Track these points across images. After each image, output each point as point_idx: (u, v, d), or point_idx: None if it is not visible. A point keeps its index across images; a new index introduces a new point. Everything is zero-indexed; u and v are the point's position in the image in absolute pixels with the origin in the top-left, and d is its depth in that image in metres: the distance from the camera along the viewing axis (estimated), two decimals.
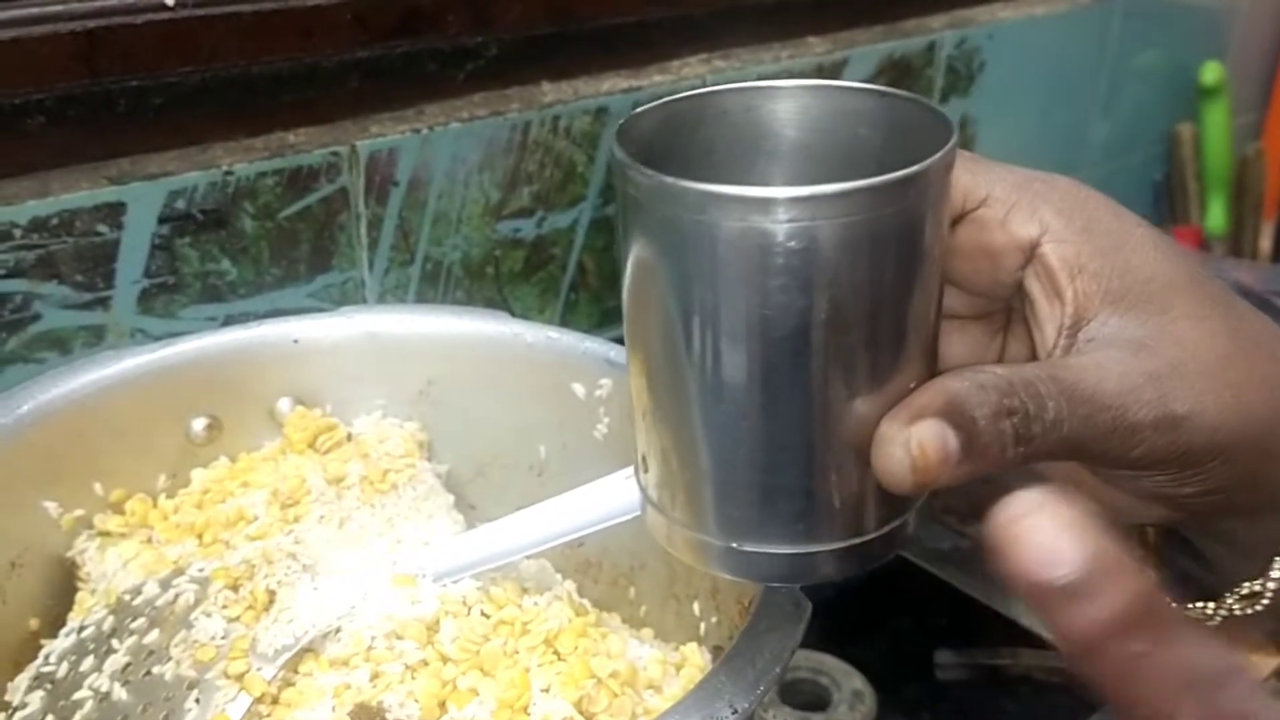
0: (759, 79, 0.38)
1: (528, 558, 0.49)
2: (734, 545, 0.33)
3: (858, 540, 0.33)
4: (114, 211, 0.60)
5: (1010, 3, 1.06)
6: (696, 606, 0.56)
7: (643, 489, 0.37)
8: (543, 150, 0.76)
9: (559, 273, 0.81)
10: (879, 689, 0.75)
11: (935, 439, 0.30)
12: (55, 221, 0.58)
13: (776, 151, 0.35)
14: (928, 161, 0.29)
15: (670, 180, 0.29)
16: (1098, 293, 0.33)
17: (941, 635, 0.80)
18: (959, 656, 0.74)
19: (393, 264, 0.72)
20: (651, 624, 0.58)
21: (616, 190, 0.33)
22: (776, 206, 0.28)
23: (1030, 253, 0.35)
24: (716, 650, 0.50)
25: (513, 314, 0.77)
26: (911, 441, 0.30)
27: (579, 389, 0.59)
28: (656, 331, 0.32)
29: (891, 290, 0.30)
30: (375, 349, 0.60)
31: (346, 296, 0.71)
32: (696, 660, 0.48)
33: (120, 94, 0.60)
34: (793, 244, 0.29)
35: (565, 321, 0.82)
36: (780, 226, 0.28)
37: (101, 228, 0.59)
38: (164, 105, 0.61)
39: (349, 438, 0.59)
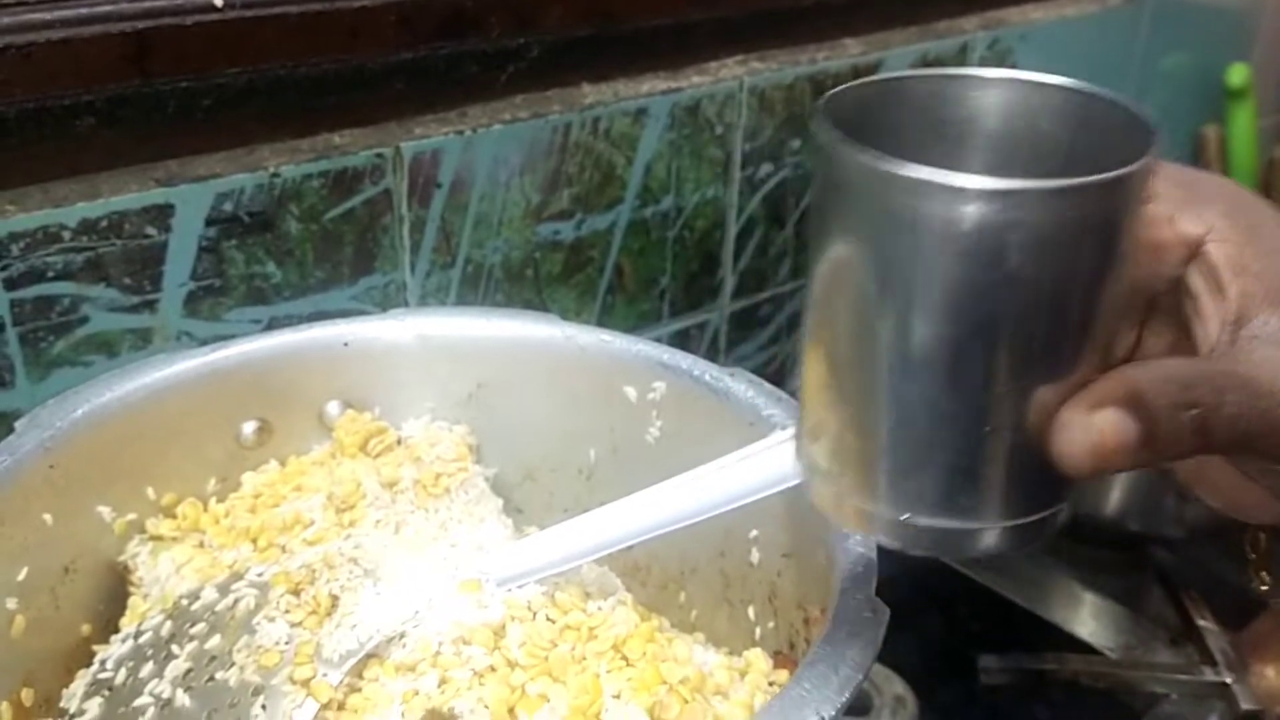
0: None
1: (591, 563, 0.49)
2: (903, 518, 0.34)
3: (1020, 521, 0.34)
4: (162, 214, 0.59)
5: (1042, 4, 1.06)
6: (752, 611, 0.56)
7: (809, 459, 0.37)
8: (583, 152, 0.75)
9: (597, 275, 0.81)
10: (920, 694, 0.74)
11: (1116, 426, 0.31)
12: (104, 224, 0.58)
13: (962, 140, 0.35)
14: (1138, 163, 0.30)
15: (884, 163, 0.30)
16: (1260, 293, 0.34)
17: (981, 640, 0.80)
18: (1003, 661, 0.74)
19: (434, 266, 0.71)
20: (702, 628, 0.58)
21: (814, 169, 0.33)
22: (988, 198, 0.29)
23: (1195, 250, 0.36)
24: (777, 655, 0.50)
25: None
26: (1093, 428, 0.31)
27: (631, 392, 0.58)
28: (848, 306, 0.33)
29: (1085, 285, 0.31)
30: (425, 352, 0.60)
31: (389, 299, 0.70)
32: (761, 666, 0.47)
33: (169, 95, 0.59)
34: (998, 236, 0.29)
35: (602, 324, 0.82)
36: (989, 218, 0.29)
37: (150, 230, 0.59)
38: (212, 106, 0.61)
39: (399, 442, 0.59)
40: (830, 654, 0.38)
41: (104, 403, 0.51)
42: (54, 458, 0.49)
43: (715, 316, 0.91)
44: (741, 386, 0.55)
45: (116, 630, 0.52)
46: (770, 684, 0.47)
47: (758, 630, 0.55)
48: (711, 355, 0.91)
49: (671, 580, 0.60)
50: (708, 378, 0.56)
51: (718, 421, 0.55)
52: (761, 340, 0.95)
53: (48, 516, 0.49)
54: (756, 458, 0.48)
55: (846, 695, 0.36)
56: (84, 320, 0.59)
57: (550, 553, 0.48)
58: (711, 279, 0.89)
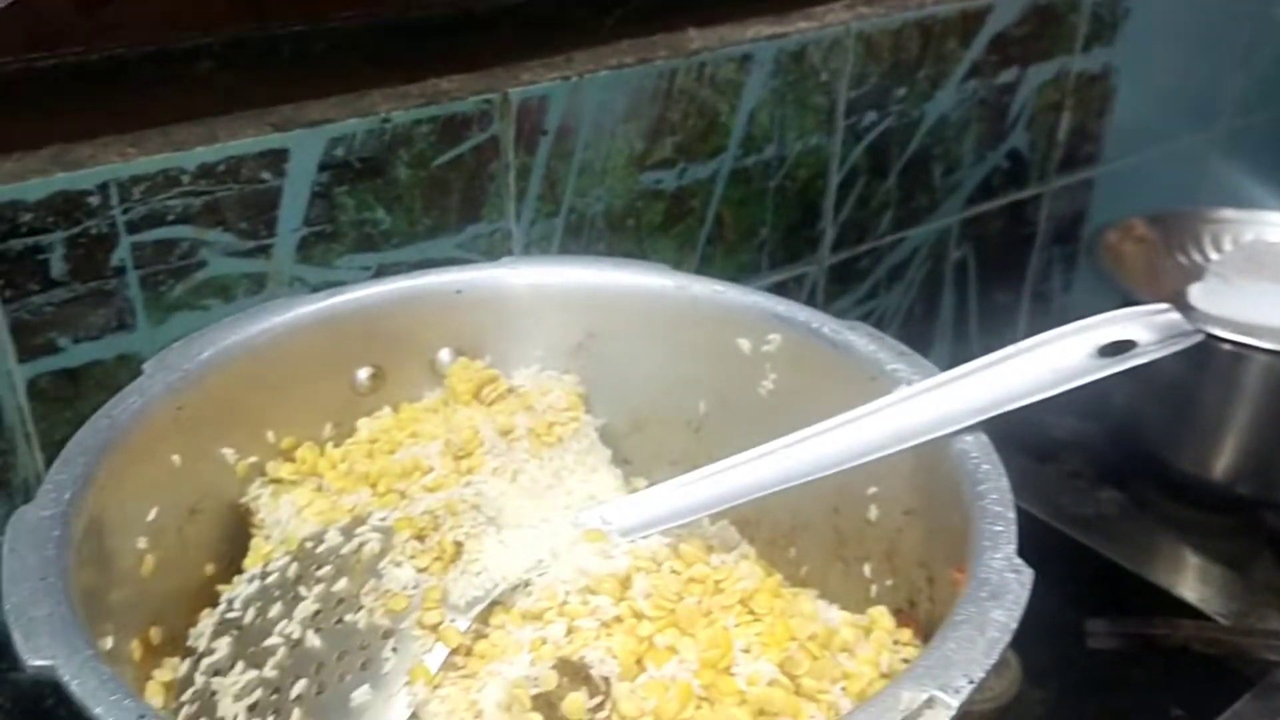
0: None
1: (711, 516, 0.49)
2: None
3: None
4: (277, 158, 0.59)
5: None
6: (868, 568, 0.55)
7: None
8: (686, 99, 0.74)
9: (697, 226, 0.80)
10: (1024, 657, 0.73)
11: None
12: (222, 168, 0.58)
13: None
14: None
15: None
16: None
17: (1084, 602, 0.78)
18: (1111, 625, 0.72)
19: (539, 215, 0.71)
20: (813, 584, 0.57)
21: None
22: None
23: None
24: (898, 614, 0.49)
25: None
26: None
27: (744, 344, 0.57)
28: None
29: None
30: (537, 301, 0.60)
31: (494, 248, 0.70)
32: (885, 624, 0.46)
33: (284, 39, 0.59)
34: None
35: (702, 272, 0.81)
36: None
37: (265, 175, 0.59)
38: (325, 51, 0.61)
39: (510, 390, 0.59)
40: (975, 616, 0.37)
41: (227, 346, 0.52)
42: (181, 399, 0.49)
43: (814, 270, 0.90)
44: (862, 340, 0.53)
45: (239, 571, 0.52)
46: (895, 643, 0.46)
47: (873, 588, 0.54)
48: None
49: (781, 536, 0.59)
50: (826, 330, 0.55)
51: (836, 376, 0.54)
52: (859, 294, 0.94)
53: (175, 458, 0.49)
54: (884, 413, 0.47)
55: (994, 658, 0.35)
56: (201, 264, 0.59)
57: (674, 504, 0.48)
58: (811, 230, 0.87)
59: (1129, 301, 0.68)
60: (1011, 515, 0.42)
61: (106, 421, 0.45)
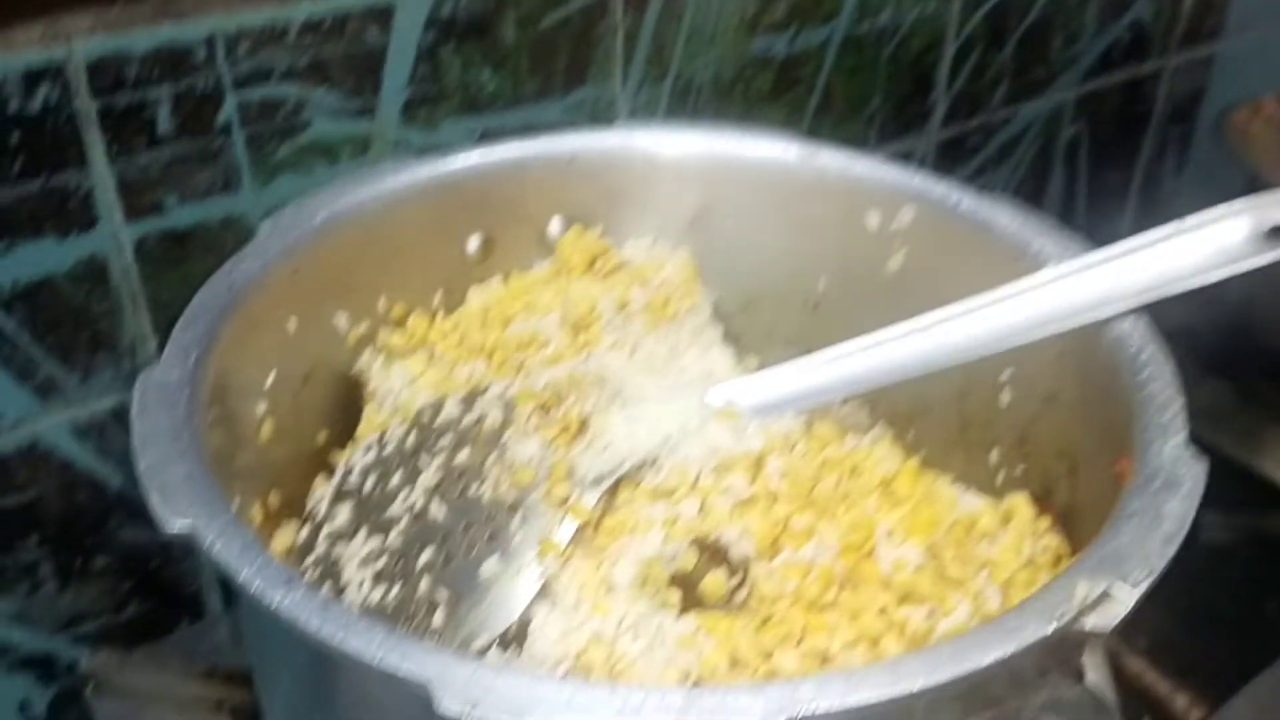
0: None
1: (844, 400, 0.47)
2: None
3: None
4: (384, 15, 0.57)
5: None
6: (995, 455, 0.53)
7: None
8: None
9: (806, 95, 0.76)
10: None
11: None
12: (328, 24, 0.55)
13: None
14: None
15: None
16: None
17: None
18: (1227, 518, 0.70)
19: (645, 80, 0.68)
20: (932, 468, 0.55)
21: None
22: None
23: None
24: (1037, 504, 0.47)
25: None
26: None
27: (872, 218, 0.54)
28: None
29: None
30: (652, 169, 0.57)
31: (598, 114, 0.67)
32: (1025, 512, 0.45)
33: None
34: None
35: None
36: None
37: (371, 31, 0.57)
38: None
39: (622, 264, 0.56)
40: (1148, 507, 0.35)
41: (340, 210, 0.50)
42: (297, 262, 0.48)
43: (922, 145, 0.86)
44: (1005, 216, 0.50)
45: (351, 440, 0.52)
46: (1038, 532, 0.44)
47: (1000, 475, 0.52)
48: None
49: (899, 419, 0.57)
50: (965, 205, 0.52)
51: (975, 254, 0.51)
52: (967, 173, 0.90)
53: (291, 323, 0.48)
54: (1034, 293, 0.44)
55: (1172, 549, 0.33)
56: (306, 125, 0.57)
57: (805, 385, 0.46)
58: (923, 103, 0.83)
59: (1255, 185, 0.63)
60: (1180, 403, 0.39)
61: (226, 283, 0.44)
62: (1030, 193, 0.96)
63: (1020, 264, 0.49)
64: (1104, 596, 0.32)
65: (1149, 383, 0.40)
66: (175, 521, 0.33)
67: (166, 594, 0.64)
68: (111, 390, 0.57)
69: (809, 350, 0.60)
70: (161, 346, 0.57)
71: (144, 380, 0.39)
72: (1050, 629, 0.31)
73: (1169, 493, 0.35)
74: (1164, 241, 0.45)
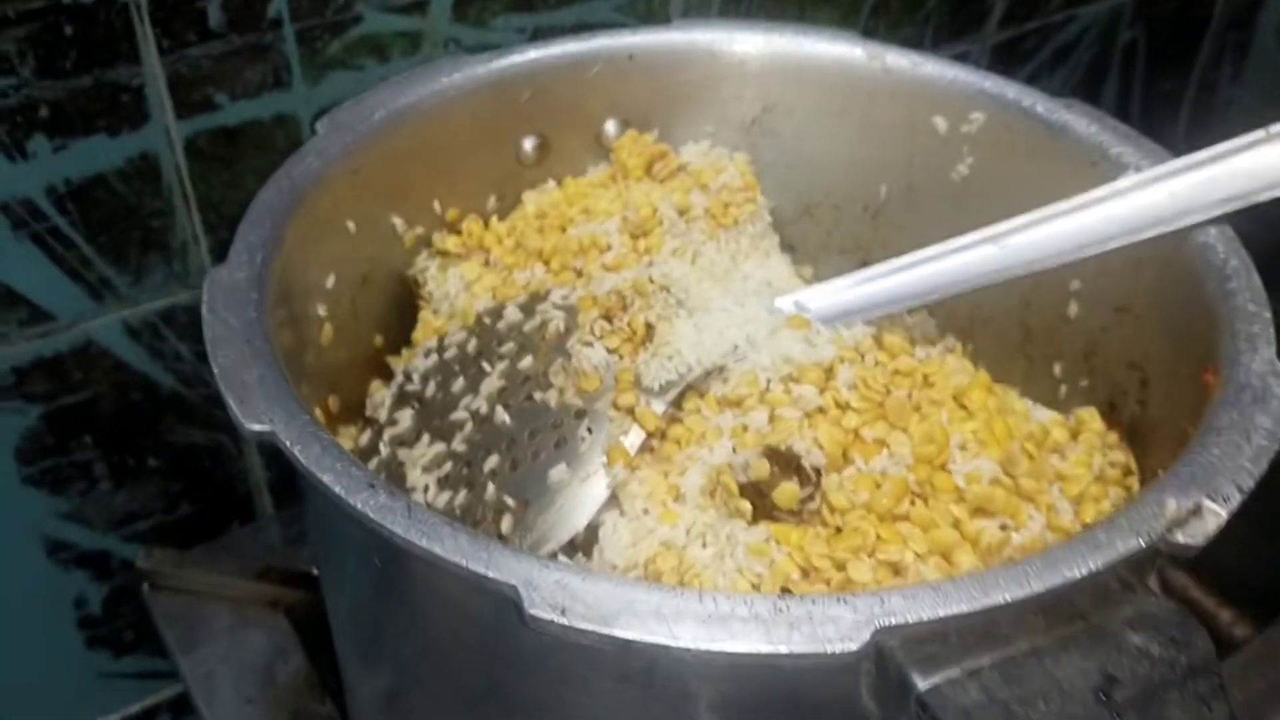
0: None
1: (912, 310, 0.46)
2: None
3: None
4: None
5: None
6: (1058, 368, 0.52)
7: None
8: None
9: None
10: None
11: None
12: None
13: None
14: None
15: None
16: None
17: None
18: None
19: None
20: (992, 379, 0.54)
21: None
22: None
23: None
24: (1103, 418, 0.46)
25: None
26: None
27: (940, 123, 0.53)
28: None
29: None
30: (713, 69, 0.55)
31: (651, 13, 0.65)
32: (1095, 425, 0.44)
33: None
34: None
35: None
36: None
37: None
38: None
39: (681, 167, 0.55)
40: (1238, 422, 0.34)
41: (397, 109, 0.49)
42: (356, 163, 0.47)
43: (976, 49, 0.83)
44: (1081, 121, 0.49)
45: (407, 344, 0.51)
46: (1107, 446, 0.44)
47: (1063, 388, 0.51)
48: None
49: (959, 328, 0.56)
50: (1039, 108, 0.50)
51: (1049, 160, 0.49)
52: (1021, 77, 0.87)
53: (350, 223, 0.47)
54: (1114, 201, 0.43)
55: (1262, 466, 0.33)
56: (357, 20, 0.55)
57: (875, 294, 0.45)
58: (980, 3, 0.80)
59: None
60: (1268, 315, 0.38)
61: (287, 182, 0.43)
62: (1085, 99, 0.93)
63: (1097, 170, 0.48)
64: (1194, 512, 0.31)
65: (1236, 294, 0.39)
66: (254, 426, 0.33)
67: (218, 495, 0.65)
68: (164, 291, 0.57)
69: (867, 259, 0.59)
70: (213, 248, 0.57)
71: (212, 280, 0.38)
72: (1140, 544, 0.31)
73: (1259, 407, 0.35)
74: (1251, 149, 0.43)
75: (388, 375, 0.50)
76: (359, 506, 0.31)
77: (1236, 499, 0.32)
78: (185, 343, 0.59)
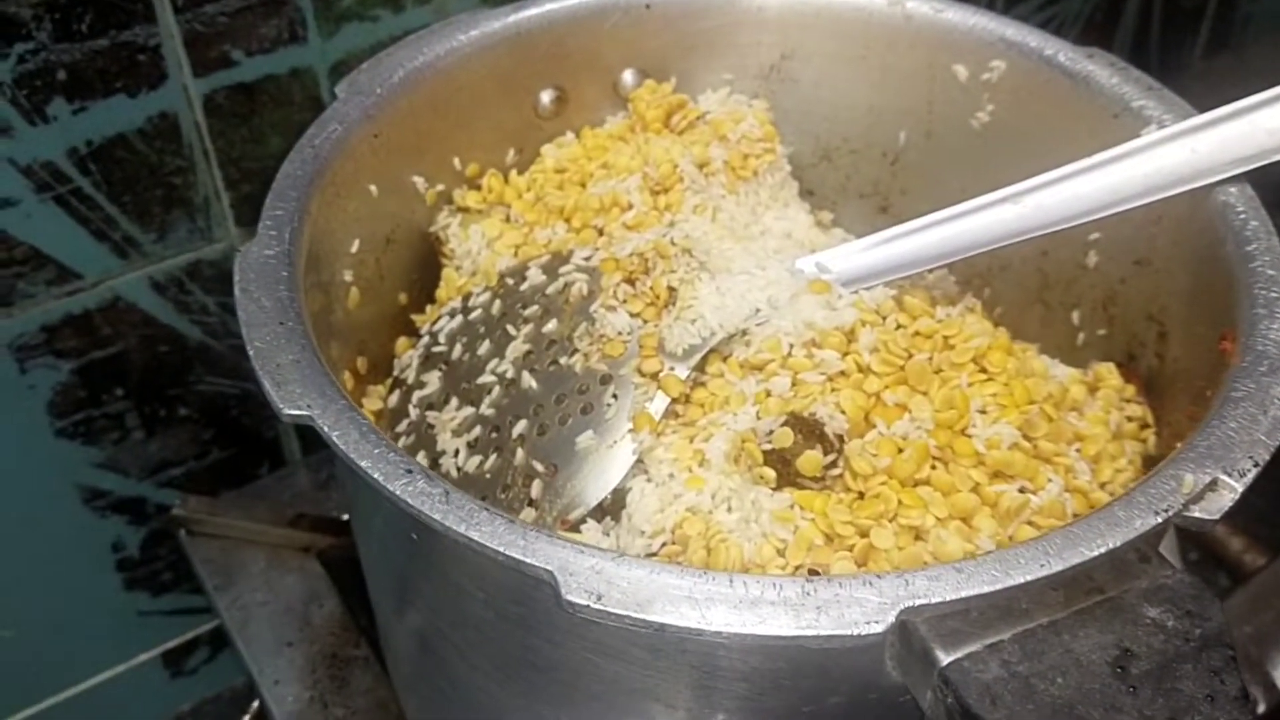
0: None
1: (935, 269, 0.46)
2: None
3: None
4: None
5: None
6: (1076, 316, 0.52)
7: None
8: None
9: None
10: None
11: None
12: None
13: None
14: None
15: None
16: None
17: None
18: None
19: None
20: (1007, 325, 0.54)
21: None
22: None
23: None
24: (1120, 368, 0.47)
25: None
26: None
27: (960, 70, 0.53)
28: None
29: None
30: (731, 16, 0.55)
31: None
32: (1112, 381, 0.45)
33: None
34: None
35: None
36: None
37: None
38: None
39: (700, 117, 0.55)
40: (1254, 392, 0.35)
41: (416, 68, 0.49)
42: (377, 126, 0.47)
43: None
44: (1104, 71, 0.48)
45: (431, 300, 0.52)
46: (1124, 400, 0.44)
47: (1080, 335, 0.52)
48: None
49: (976, 275, 0.57)
50: (1061, 58, 0.50)
51: (1070, 111, 0.49)
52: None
53: (373, 187, 0.47)
54: (1135, 158, 0.43)
55: (1278, 438, 0.33)
56: None
57: (897, 255, 0.45)
58: None
59: None
60: None
61: (311, 151, 0.43)
62: (1104, 20, 0.92)
63: (1119, 123, 0.47)
64: (1210, 487, 0.32)
65: (1256, 256, 0.40)
66: (291, 410, 0.34)
67: (247, 441, 0.66)
68: (188, 246, 0.58)
69: (885, 205, 0.60)
70: (235, 203, 0.57)
71: (243, 259, 0.39)
72: (1158, 520, 0.31)
73: (1276, 377, 0.35)
74: (1273, 103, 0.43)
75: (413, 332, 0.51)
76: (398, 493, 0.32)
77: (1252, 473, 0.33)
78: (211, 296, 0.60)
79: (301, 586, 0.59)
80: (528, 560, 0.30)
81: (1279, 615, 0.58)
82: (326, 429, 0.34)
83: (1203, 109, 0.44)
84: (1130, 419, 0.45)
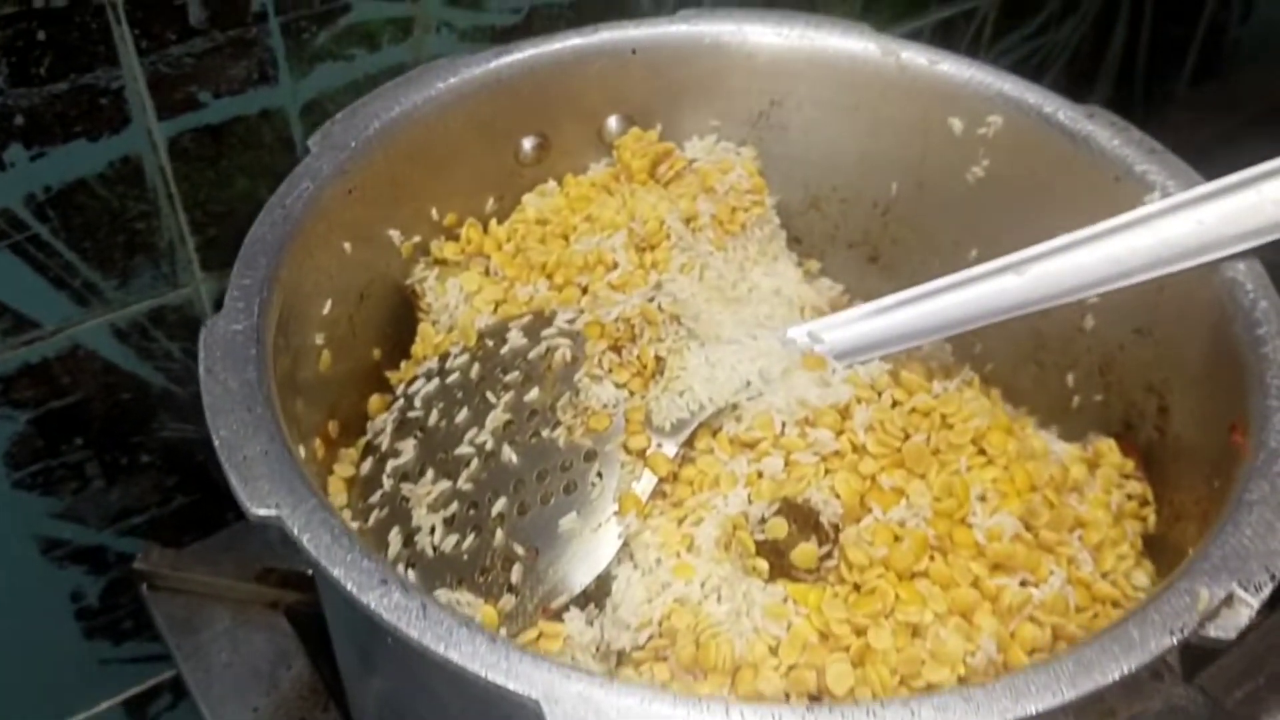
0: None
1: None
2: None
3: None
4: None
5: None
6: (1071, 378, 0.51)
7: None
8: None
9: None
10: None
11: None
12: None
13: None
14: None
15: None
16: None
17: None
18: None
19: None
20: (997, 383, 0.53)
21: None
22: None
23: None
24: (1119, 440, 0.46)
25: (815, 3, 0.68)
26: None
27: (956, 124, 0.51)
28: None
29: None
30: (719, 62, 0.53)
31: None
32: (1112, 458, 0.43)
33: None
34: None
35: (868, 9, 0.73)
36: None
37: None
38: None
39: (689, 165, 0.53)
40: (1269, 495, 0.33)
41: (394, 117, 0.47)
42: (352, 180, 0.45)
43: (985, 3, 0.80)
44: (1104, 132, 0.47)
45: (406, 356, 0.50)
46: (1123, 477, 0.43)
47: (1075, 399, 0.51)
48: (974, 50, 0.81)
49: (969, 330, 0.55)
50: (1060, 116, 0.48)
51: (1068, 171, 0.48)
52: (1029, 30, 0.85)
53: (347, 244, 0.45)
54: (1139, 229, 0.42)
55: None
56: (345, 9, 0.53)
57: (892, 327, 0.44)
58: None
59: None
60: None
61: (281, 211, 0.41)
62: (1090, 50, 0.91)
63: (1120, 186, 0.46)
64: (1226, 603, 0.31)
65: (1267, 340, 0.38)
66: (259, 510, 0.32)
67: (212, 487, 0.64)
68: (151, 292, 0.55)
69: (875, 254, 0.58)
70: (201, 246, 0.55)
71: (209, 333, 0.37)
72: (1173, 641, 0.30)
73: None
74: None
75: (387, 388, 0.49)
76: (372, 605, 0.30)
77: (1269, 587, 0.31)
78: (175, 342, 0.57)
79: (269, 646, 0.57)
80: (510, 686, 0.29)
81: (1272, 678, 0.57)
82: (296, 531, 0.32)
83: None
84: (1130, 496, 0.43)
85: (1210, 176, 0.43)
